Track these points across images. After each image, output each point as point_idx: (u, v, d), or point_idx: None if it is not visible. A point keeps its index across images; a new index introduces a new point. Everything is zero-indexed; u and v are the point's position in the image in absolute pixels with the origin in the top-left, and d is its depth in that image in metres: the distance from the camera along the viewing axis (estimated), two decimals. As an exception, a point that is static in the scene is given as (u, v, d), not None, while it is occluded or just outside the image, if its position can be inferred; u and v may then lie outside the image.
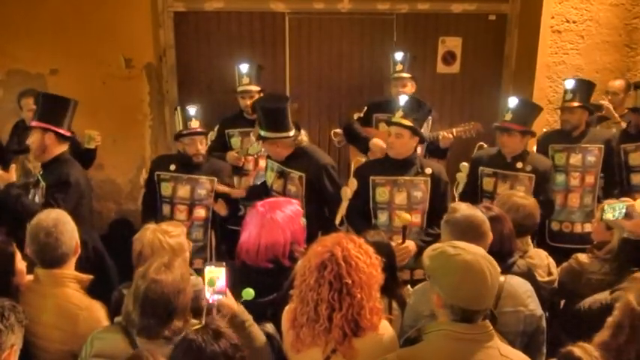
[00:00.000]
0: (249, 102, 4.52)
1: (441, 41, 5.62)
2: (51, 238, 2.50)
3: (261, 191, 3.90)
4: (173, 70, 5.42)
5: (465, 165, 4.16)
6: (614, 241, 2.95)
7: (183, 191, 3.83)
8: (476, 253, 1.92)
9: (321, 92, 5.56)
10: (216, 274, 2.27)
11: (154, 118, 5.10)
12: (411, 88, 4.62)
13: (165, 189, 3.85)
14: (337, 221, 3.77)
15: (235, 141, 4.58)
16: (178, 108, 3.93)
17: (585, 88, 4.24)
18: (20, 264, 2.56)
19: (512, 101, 3.85)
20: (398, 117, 3.59)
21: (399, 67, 4.65)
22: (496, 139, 4.04)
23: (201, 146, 3.81)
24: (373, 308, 2.08)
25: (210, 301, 2.26)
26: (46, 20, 4.85)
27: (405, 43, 5.49)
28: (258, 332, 2.31)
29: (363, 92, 5.42)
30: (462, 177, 4.12)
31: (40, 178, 3.61)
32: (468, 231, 2.40)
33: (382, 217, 3.63)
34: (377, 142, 4.39)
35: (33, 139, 3.58)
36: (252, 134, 4.42)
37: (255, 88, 4.56)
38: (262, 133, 3.73)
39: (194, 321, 2.19)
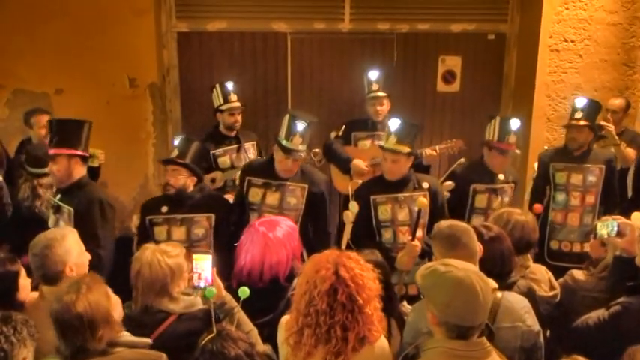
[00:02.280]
0: (238, 117, 4.61)
1: (441, 60, 5.69)
2: (37, 258, 2.58)
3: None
4: (176, 89, 5.49)
5: (448, 184, 4.00)
6: (608, 257, 2.97)
7: (179, 233, 3.50)
8: (467, 269, 1.95)
9: (322, 111, 5.59)
10: (203, 262, 2.40)
11: (157, 136, 5.15)
12: (387, 106, 4.70)
13: (159, 233, 3.50)
14: (343, 246, 3.82)
15: (224, 160, 4.61)
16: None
17: (594, 108, 4.24)
18: (24, 280, 2.60)
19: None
20: (392, 143, 3.59)
21: (375, 86, 4.70)
22: (487, 157, 4.03)
23: (173, 179, 3.49)
24: (378, 319, 2.11)
25: (196, 286, 2.40)
26: (52, 41, 4.92)
27: (405, 62, 5.58)
28: (245, 318, 2.40)
29: (363, 111, 5.46)
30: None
31: (60, 204, 3.50)
32: (452, 238, 2.48)
33: (387, 235, 3.68)
34: (358, 164, 4.48)
35: (58, 167, 3.46)
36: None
37: (239, 104, 4.66)
38: (296, 146, 3.63)
39: (125, 333, 2.23)
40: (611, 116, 4.99)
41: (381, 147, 3.71)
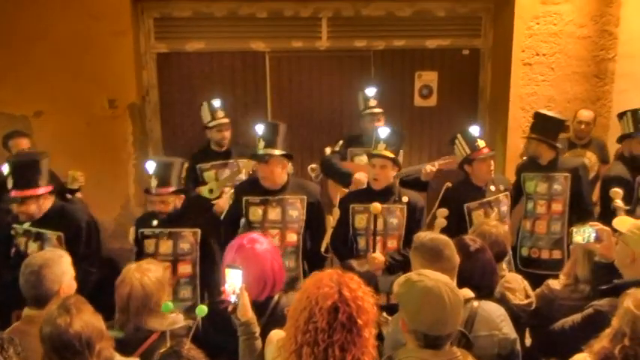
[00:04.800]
0: (226, 134, 4.71)
1: (418, 76, 5.78)
2: (33, 277, 2.59)
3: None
4: (156, 109, 5.51)
5: (442, 210, 3.94)
6: (571, 263, 3.05)
7: (166, 247, 3.60)
8: (438, 280, 2.01)
9: (302, 127, 5.66)
10: (233, 276, 2.34)
11: (137, 157, 5.16)
12: (383, 122, 4.77)
13: (149, 246, 3.63)
14: (322, 249, 3.87)
15: (209, 175, 4.70)
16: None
17: (549, 123, 4.35)
18: None
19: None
20: (381, 149, 3.72)
21: (373, 102, 4.79)
22: (472, 172, 4.13)
23: (162, 206, 3.58)
24: (372, 346, 2.08)
25: (229, 300, 2.33)
26: (31, 63, 4.92)
27: (382, 78, 5.64)
28: (260, 347, 2.36)
29: (343, 127, 5.55)
30: (442, 223, 3.84)
31: (43, 231, 3.55)
32: (435, 250, 2.53)
33: (362, 243, 3.78)
34: (360, 178, 4.49)
35: (26, 207, 3.49)
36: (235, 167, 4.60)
37: (227, 120, 4.75)
38: (261, 150, 3.69)
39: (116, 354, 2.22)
40: (584, 128, 5.14)
41: (370, 154, 3.83)
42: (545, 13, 5.40)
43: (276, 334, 2.23)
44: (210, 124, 4.72)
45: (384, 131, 3.80)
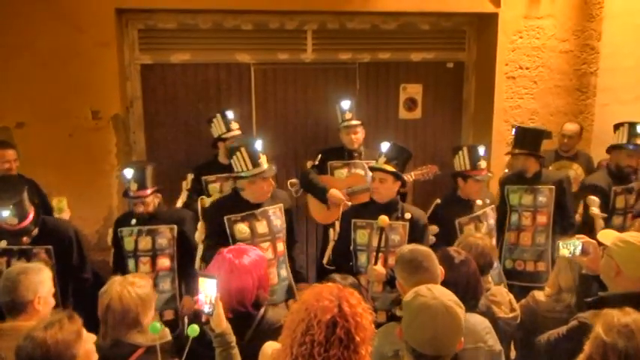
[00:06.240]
0: None
1: (402, 88, 5.81)
2: (9, 282, 2.61)
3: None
4: (140, 120, 5.47)
5: (432, 228, 3.95)
6: (554, 273, 3.06)
7: (144, 243, 3.85)
8: (442, 301, 1.96)
9: (287, 140, 5.66)
10: (207, 285, 2.31)
11: (121, 168, 5.09)
12: (362, 134, 4.77)
13: (128, 244, 3.87)
14: (325, 261, 3.92)
15: (214, 187, 4.68)
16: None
17: (531, 135, 4.38)
18: None
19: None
20: (381, 163, 3.73)
21: (349, 115, 4.76)
22: (463, 187, 4.12)
23: (143, 207, 3.82)
24: None
25: (202, 310, 2.31)
26: (13, 74, 4.86)
27: (367, 90, 5.69)
28: (237, 356, 2.35)
29: (327, 139, 5.53)
30: (430, 240, 3.87)
31: (30, 247, 3.54)
32: (414, 262, 2.54)
33: (362, 259, 3.76)
34: (334, 194, 4.51)
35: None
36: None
37: (240, 131, 4.75)
38: (262, 169, 3.64)
39: None
40: (567, 141, 5.21)
41: (371, 167, 3.86)
42: (528, 28, 5.48)
43: (271, 346, 2.21)
44: (225, 136, 4.66)
45: (385, 145, 3.81)
